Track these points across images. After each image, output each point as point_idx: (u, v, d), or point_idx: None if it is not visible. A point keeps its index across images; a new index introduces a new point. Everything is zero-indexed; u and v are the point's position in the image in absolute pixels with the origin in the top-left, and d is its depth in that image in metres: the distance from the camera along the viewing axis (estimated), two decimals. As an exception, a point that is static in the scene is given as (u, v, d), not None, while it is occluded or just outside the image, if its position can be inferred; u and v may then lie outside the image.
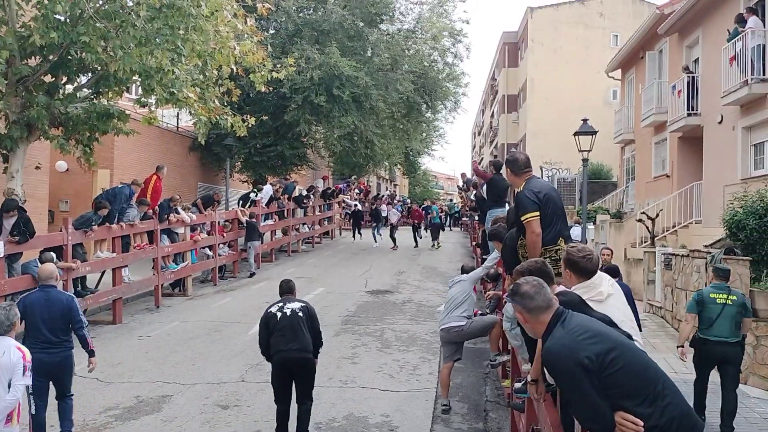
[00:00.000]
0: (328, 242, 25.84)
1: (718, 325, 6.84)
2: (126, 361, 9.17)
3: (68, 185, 17.39)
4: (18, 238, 9.57)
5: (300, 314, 6.33)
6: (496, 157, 48.71)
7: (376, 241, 24.06)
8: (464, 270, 8.41)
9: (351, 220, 27.10)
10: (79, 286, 11.25)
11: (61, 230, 10.77)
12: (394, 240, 23.59)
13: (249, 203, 19.09)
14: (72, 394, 6.31)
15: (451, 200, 48.84)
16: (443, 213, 30.59)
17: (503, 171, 6.12)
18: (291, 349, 6.09)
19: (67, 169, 16.67)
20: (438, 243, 24.08)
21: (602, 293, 3.46)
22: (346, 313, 12.37)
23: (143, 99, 12.38)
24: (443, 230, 27.02)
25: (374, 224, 25.43)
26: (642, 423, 2.72)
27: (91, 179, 17.36)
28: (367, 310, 12.69)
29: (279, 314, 6.28)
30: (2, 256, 9.08)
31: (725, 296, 6.92)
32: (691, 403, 5.42)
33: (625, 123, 23.79)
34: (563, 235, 5.17)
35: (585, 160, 15.36)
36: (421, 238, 24.97)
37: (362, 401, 7.55)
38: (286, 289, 6.68)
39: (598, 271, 3.69)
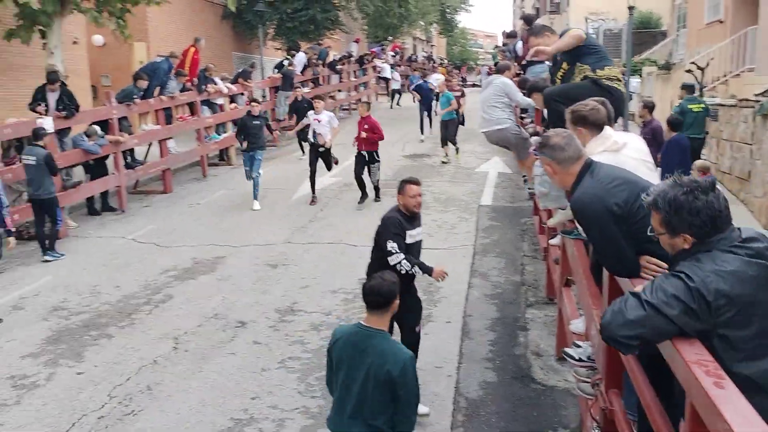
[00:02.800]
0: (367, 107, 25.63)
1: None
2: (179, 227, 9.67)
3: (107, 60, 17.45)
4: (65, 113, 9.84)
5: None
6: (537, 10, 46.41)
7: (423, 133, 17.33)
8: None
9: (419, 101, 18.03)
10: (129, 158, 11.65)
11: (105, 104, 11.01)
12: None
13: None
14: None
15: (495, 54, 47.13)
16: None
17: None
18: None
19: (104, 44, 16.65)
20: (453, 149, 14.27)
21: (617, 143, 3.44)
22: (385, 177, 12.57)
23: (171, -34, 12.08)
24: (462, 124, 15.35)
25: (424, 109, 17.53)
26: (666, 265, 2.81)
27: (129, 53, 17.38)
28: (405, 174, 12.81)
29: None
30: (52, 131, 9.40)
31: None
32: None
33: (677, -34, 22.21)
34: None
35: (631, 8, 14.57)
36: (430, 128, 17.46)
37: (403, 258, 7.90)
38: None
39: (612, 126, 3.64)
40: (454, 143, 14.21)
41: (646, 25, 28.30)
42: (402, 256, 4.58)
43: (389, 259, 4.56)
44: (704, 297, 2.15)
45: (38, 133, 8.58)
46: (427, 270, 4.74)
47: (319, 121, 10.76)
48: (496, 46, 38.45)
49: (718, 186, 2.37)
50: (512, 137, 6.89)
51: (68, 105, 9.96)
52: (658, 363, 2.44)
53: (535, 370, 5.21)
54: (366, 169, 10.49)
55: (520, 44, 11.16)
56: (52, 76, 10.07)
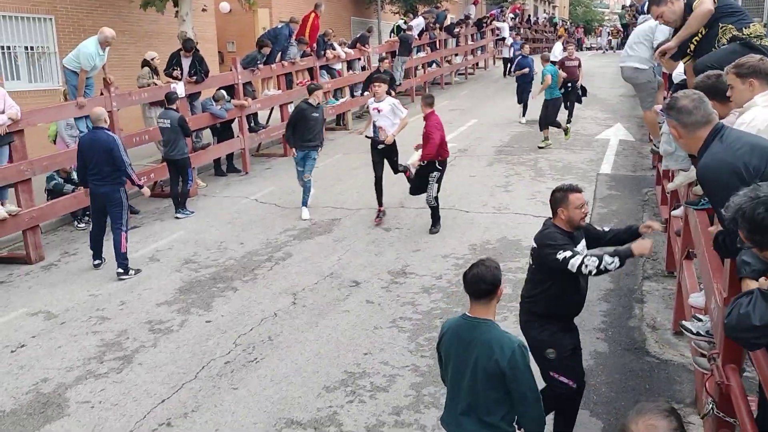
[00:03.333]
0: (482, 73, 25.27)
1: None
2: (298, 189, 10.02)
3: (232, 26, 18.24)
4: (195, 78, 10.44)
5: None
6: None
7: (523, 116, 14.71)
8: None
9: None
10: (252, 122, 12.21)
11: (231, 70, 11.57)
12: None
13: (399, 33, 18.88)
14: (121, 228, 6.97)
15: (623, 18, 44.45)
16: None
17: None
18: None
19: (230, 11, 17.39)
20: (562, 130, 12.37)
21: None
22: (499, 144, 12.44)
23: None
24: (585, 96, 14.23)
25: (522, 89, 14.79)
26: None
27: (253, 19, 18.06)
28: (520, 141, 12.65)
29: None
30: (184, 96, 10.02)
31: None
32: None
33: None
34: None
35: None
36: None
37: (515, 226, 7.86)
38: None
39: None
40: (558, 125, 12.06)
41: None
42: (581, 254, 3.62)
43: (569, 266, 3.56)
44: None
45: (171, 97, 9.18)
46: (626, 254, 3.63)
47: (379, 111, 8.24)
48: (623, 6, 36.25)
49: None
50: (645, 83, 6.68)
51: (199, 70, 10.54)
52: None
53: (649, 343, 5.07)
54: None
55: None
56: (189, 44, 10.66)
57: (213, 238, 8.07)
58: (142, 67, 10.57)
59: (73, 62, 8.76)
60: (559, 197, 3.78)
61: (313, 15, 14.59)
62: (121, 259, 6.94)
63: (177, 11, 12.28)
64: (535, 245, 3.82)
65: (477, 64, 25.59)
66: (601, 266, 3.53)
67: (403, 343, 5.23)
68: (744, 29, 4.39)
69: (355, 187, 9.92)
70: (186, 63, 10.62)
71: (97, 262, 7.26)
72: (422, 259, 7.02)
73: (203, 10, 14.54)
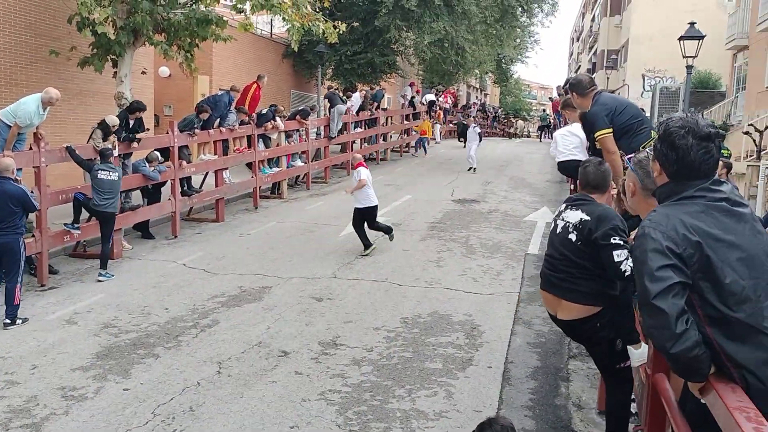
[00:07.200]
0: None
1: None
2: (229, 255, 9.91)
3: (171, 91, 18.22)
4: (131, 138, 10.30)
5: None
6: (594, 65, 46.42)
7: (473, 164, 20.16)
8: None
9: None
10: (185, 185, 12.05)
11: (167, 133, 11.47)
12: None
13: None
14: (18, 280, 7.02)
15: (544, 110, 47.35)
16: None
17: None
18: None
19: (170, 75, 17.42)
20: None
21: None
22: (432, 220, 12.69)
23: (239, 5, 12.67)
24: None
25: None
26: None
27: (192, 85, 18.11)
28: (453, 218, 12.95)
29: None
30: (116, 155, 9.82)
31: None
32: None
33: (739, 27, 22.13)
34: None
35: (689, 67, 14.54)
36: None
37: (446, 301, 7.93)
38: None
39: None
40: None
41: (705, 85, 28.08)
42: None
43: (621, 265, 3.53)
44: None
45: (105, 153, 9.06)
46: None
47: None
48: (550, 98, 38.31)
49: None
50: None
51: (137, 131, 10.46)
52: (701, 415, 2.43)
53: (575, 422, 5.12)
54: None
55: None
56: (139, 105, 10.71)
57: (136, 302, 7.77)
58: (99, 127, 10.11)
59: (9, 116, 8.54)
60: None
61: (255, 85, 14.81)
62: (14, 311, 6.94)
63: (116, 72, 12.20)
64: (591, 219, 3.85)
65: (409, 144, 26.24)
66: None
67: (331, 417, 5.09)
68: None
69: (288, 256, 9.84)
70: (131, 123, 10.53)
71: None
72: (353, 330, 6.95)
73: (143, 72, 14.50)
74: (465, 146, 22.96)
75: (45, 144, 8.77)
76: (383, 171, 19.77)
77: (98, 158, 9.18)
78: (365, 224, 10.15)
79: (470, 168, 19.90)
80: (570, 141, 7.42)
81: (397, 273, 9.02)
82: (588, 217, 3.72)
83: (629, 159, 3.40)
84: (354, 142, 19.70)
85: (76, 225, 9.05)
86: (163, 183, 11.20)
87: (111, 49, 11.88)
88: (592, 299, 3.73)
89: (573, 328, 3.91)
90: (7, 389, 5.47)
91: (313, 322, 7.17)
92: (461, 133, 25.76)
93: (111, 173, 8.92)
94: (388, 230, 10.36)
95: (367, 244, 10.06)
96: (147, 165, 10.52)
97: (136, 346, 6.46)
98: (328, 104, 18.26)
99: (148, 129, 10.70)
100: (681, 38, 14.29)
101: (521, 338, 6.87)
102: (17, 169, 8.54)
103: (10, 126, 8.48)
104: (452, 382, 5.72)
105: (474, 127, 22.02)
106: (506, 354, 6.42)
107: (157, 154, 10.79)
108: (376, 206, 10.23)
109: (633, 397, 3.69)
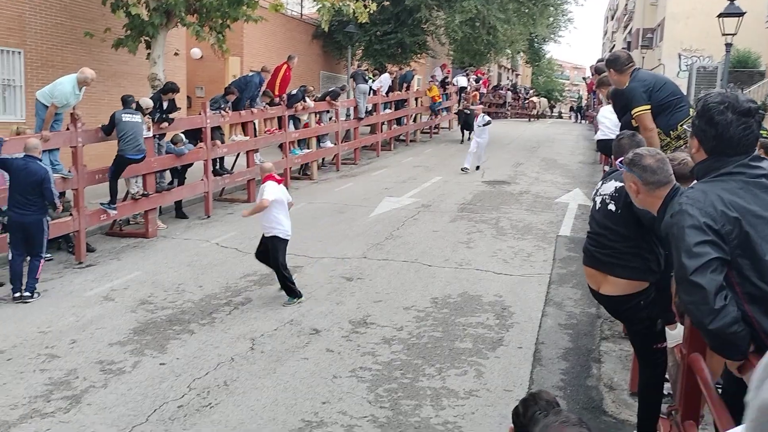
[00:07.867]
0: (446, 133, 25.85)
1: None
2: (260, 235, 9.99)
3: (203, 72, 18.36)
4: (166, 120, 10.44)
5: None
6: (629, 44, 45.48)
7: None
8: None
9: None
10: (218, 165, 12.18)
11: (200, 113, 11.59)
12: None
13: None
14: (42, 256, 7.36)
15: (579, 92, 46.57)
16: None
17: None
18: None
19: (201, 57, 17.54)
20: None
21: None
22: (462, 201, 12.64)
23: (270, -15, 12.69)
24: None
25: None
26: None
27: (224, 66, 18.22)
28: (483, 199, 12.89)
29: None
30: (151, 135, 9.96)
31: None
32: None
33: (780, 4, 21.40)
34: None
35: (728, 45, 14.18)
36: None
37: (476, 282, 7.92)
38: None
39: None
40: None
41: (744, 64, 27.37)
42: None
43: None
44: None
45: (126, 100, 9.45)
46: None
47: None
48: (584, 78, 37.65)
49: None
50: None
51: (171, 112, 10.61)
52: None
53: (606, 403, 5.11)
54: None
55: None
56: (172, 86, 10.84)
57: (171, 280, 7.92)
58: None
59: (47, 96, 8.71)
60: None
61: (285, 66, 14.83)
62: (34, 284, 7.20)
63: (149, 53, 12.34)
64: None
65: (440, 124, 26.14)
66: None
67: (362, 393, 5.15)
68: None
69: (318, 237, 9.91)
70: (165, 104, 10.67)
71: (17, 294, 7.13)
72: (384, 310, 7.00)
73: (175, 54, 14.62)
74: (468, 139, 19.69)
75: (81, 124, 8.94)
76: (413, 152, 19.71)
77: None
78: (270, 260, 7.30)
79: (463, 168, 15.89)
80: (613, 120, 7.33)
81: (426, 254, 9.03)
82: (622, 183, 3.69)
83: (620, 162, 3.37)
84: (383, 123, 19.65)
85: (113, 205, 9.23)
86: (190, 164, 11.34)
87: (144, 31, 12.01)
88: (641, 274, 3.69)
89: (616, 303, 3.89)
90: (47, 362, 5.64)
91: (344, 301, 7.23)
92: (464, 125, 21.45)
93: (134, 116, 9.27)
94: (291, 292, 7.14)
95: (290, 292, 7.16)
96: (173, 146, 10.67)
97: (172, 322, 6.59)
98: (354, 84, 18.22)
99: (179, 108, 10.80)
100: (720, 15, 13.92)
101: (552, 319, 6.84)
102: (54, 149, 8.76)
103: (48, 106, 8.65)
104: (482, 361, 5.74)
105: (482, 117, 17.21)
106: (537, 335, 6.41)
107: (182, 135, 10.94)
108: (285, 240, 7.35)
109: (666, 377, 3.66)
